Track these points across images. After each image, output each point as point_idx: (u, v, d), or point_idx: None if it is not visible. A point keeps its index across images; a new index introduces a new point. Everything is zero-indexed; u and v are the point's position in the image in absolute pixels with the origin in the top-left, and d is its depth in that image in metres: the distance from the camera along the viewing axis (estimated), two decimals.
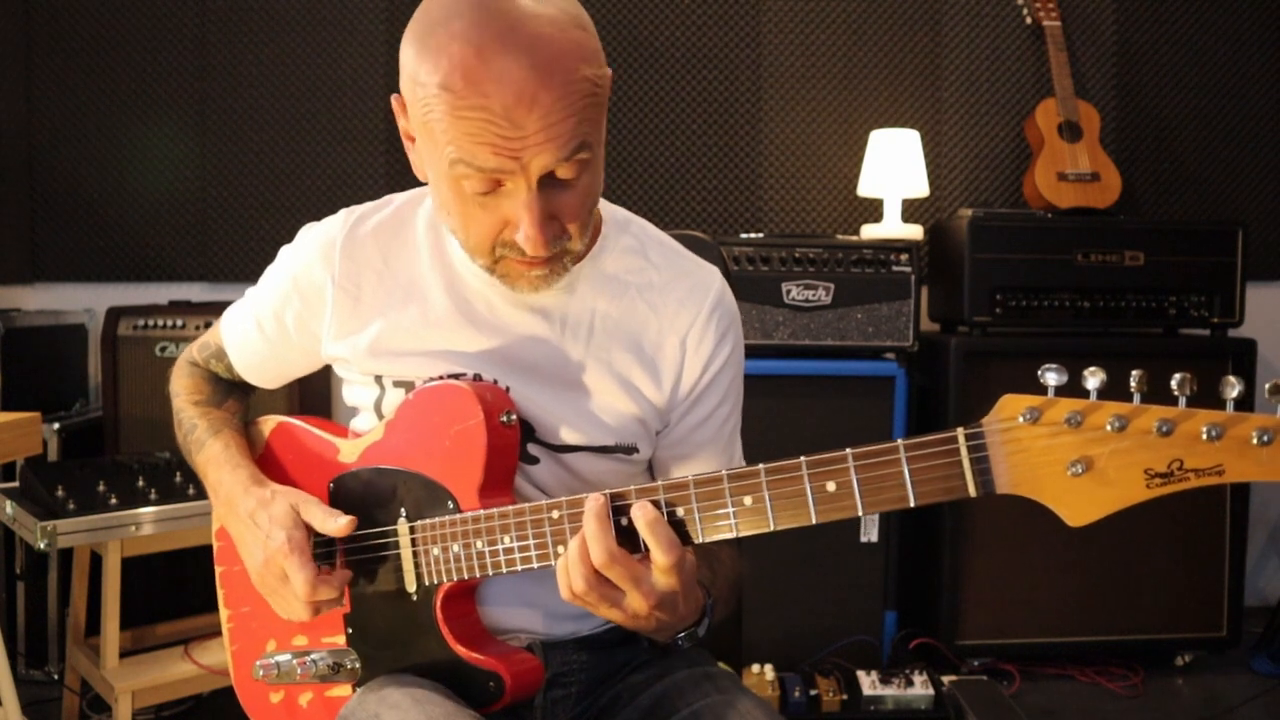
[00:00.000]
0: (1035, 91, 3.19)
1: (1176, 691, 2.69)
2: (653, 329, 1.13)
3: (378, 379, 1.14)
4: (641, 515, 0.92)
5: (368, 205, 1.16)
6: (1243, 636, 2.77)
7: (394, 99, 1.02)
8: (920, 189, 2.97)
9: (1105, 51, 3.22)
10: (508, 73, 0.90)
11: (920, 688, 2.42)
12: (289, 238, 1.20)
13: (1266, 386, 0.72)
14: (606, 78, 0.99)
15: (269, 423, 1.24)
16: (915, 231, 2.90)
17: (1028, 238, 2.71)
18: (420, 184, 1.09)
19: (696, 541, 0.94)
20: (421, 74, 0.94)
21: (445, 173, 0.96)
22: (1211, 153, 3.26)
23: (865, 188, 3.00)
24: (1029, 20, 3.16)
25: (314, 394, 2.78)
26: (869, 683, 2.44)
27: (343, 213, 1.16)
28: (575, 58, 0.93)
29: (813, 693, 2.41)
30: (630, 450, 1.13)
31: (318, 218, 1.19)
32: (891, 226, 2.91)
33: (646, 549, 0.93)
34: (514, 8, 0.92)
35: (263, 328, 1.20)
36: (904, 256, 2.60)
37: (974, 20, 3.21)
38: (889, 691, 2.42)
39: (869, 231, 2.94)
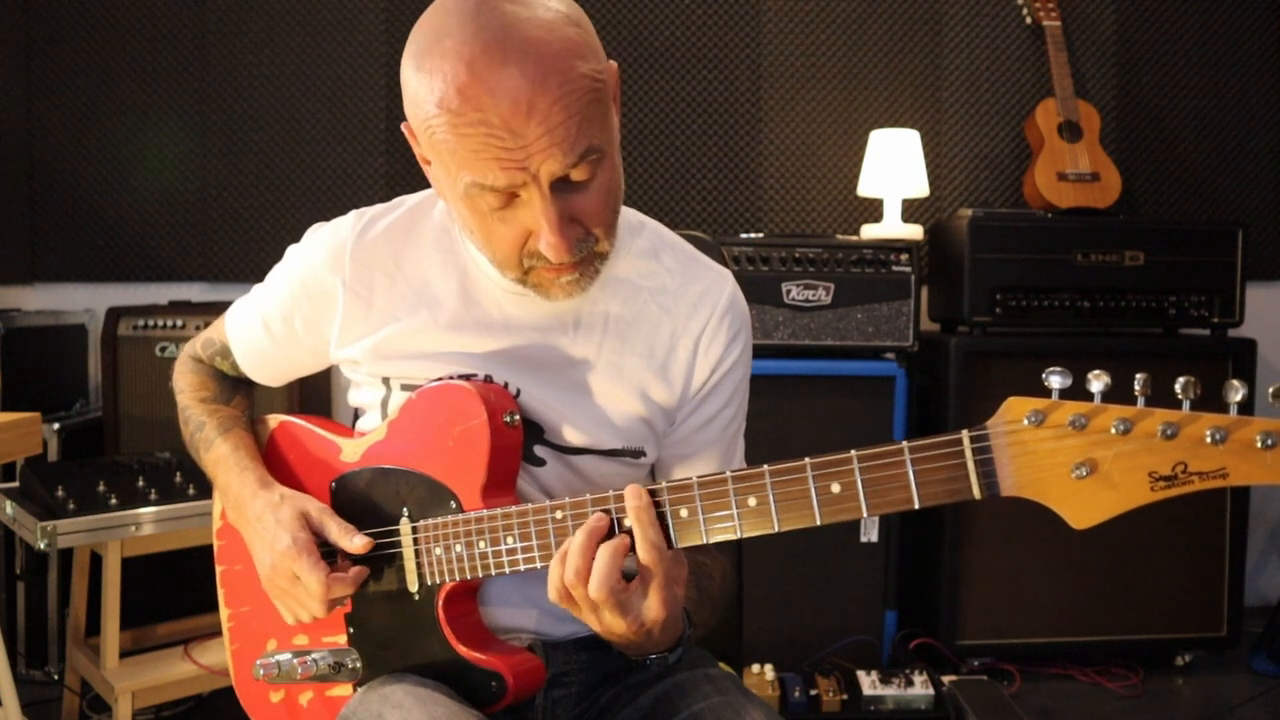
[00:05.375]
0: (1035, 91, 3.19)
1: (1176, 691, 2.69)
2: (665, 332, 1.13)
3: (385, 380, 1.14)
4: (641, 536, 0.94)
5: (379, 207, 1.15)
6: (1243, 636, 2.77)
7: (404, 126, 1.01)
8: (920, 189, 2.97)
9: (1105, 51, 3.22)
10: (501, 83, 0.89)
11: (920, 688, 2.41)
12: (289, 238, 1.19)
13: (1270, 390, 0.72)
14: (609, 71, 0.98)
15: (271, 422, 1.24)
16: (915, 231, 2.90)
17: (1028, 238, 2.71)
18: (428, 185, 1.09)
19: (701, 542, 0.94)
20: (420, 97, 0.93)
21: (461, 194, 0.96)
22: (1211, 153, 3.26)
23: (865, 188, 3.00)
24: (1029, 20, 3.16)
25: (314, 393, 2.78)
26: (869, 683, 2.44)
27: (353, 214, 1.15)
28: (570, 56, 0.92)
29: (813, 693, 2.41)
30: (638, 454, 1.13)
31: (317, 218, 1.18)
32: (891, 226, 2.91)
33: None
34: (502, 16, 0.91)
35: (270, 328, 1.19)
36: (904, 256, 2.60)
37: (974, 20, 3.21)
38: (889, 691, 2.41)
39: (869, 231, 2.94)
